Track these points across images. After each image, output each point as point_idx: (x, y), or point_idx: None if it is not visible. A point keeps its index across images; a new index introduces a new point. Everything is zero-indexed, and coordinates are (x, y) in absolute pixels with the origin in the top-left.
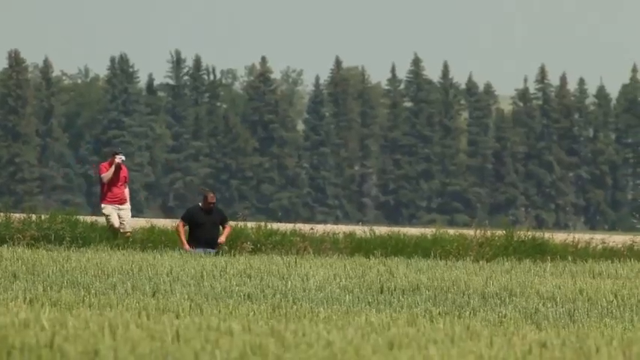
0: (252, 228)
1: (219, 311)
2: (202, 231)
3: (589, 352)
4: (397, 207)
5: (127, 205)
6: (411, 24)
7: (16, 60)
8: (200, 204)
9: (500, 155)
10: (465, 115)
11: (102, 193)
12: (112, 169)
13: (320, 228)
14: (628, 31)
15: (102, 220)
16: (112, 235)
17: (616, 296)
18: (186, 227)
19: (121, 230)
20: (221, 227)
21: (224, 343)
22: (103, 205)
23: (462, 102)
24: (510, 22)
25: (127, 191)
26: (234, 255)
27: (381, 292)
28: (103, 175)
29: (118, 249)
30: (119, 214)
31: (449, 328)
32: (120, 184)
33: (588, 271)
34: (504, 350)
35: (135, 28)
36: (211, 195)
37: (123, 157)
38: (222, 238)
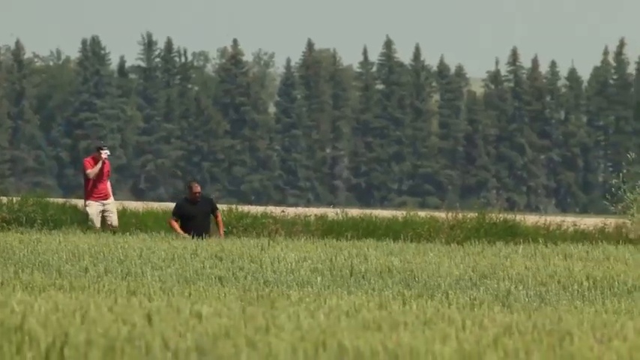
0: (223, 210)
1: (191, 294)
2: (194, 222)
3: (561, 335)
4: (368, 189)
5: (112, 199)
6: (382, 7)
7: None
8: (185, 196)
9: (472, 138)
10: (437, 97)
11: (86, 189)
12: (99, 165)
13: (291, 210)
14: (600, 15)
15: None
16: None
17: (587, 279)
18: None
19: (108, 224)
20: (212, 216)
21: (195, 326)
22: (87, 203)
23: (434, 84)
24: (486, 6)
25: (109, 185)
26: (206, 238)
27: (352, 275)
28: (88, 172)
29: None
30: (104, 210)
31: (420, 311)
32: (104, 179)
33: (560, 253)
34: (476, 333)
35: (107, 11)
36: (195, 184)
37: (108, 152)
38: (221, 233)
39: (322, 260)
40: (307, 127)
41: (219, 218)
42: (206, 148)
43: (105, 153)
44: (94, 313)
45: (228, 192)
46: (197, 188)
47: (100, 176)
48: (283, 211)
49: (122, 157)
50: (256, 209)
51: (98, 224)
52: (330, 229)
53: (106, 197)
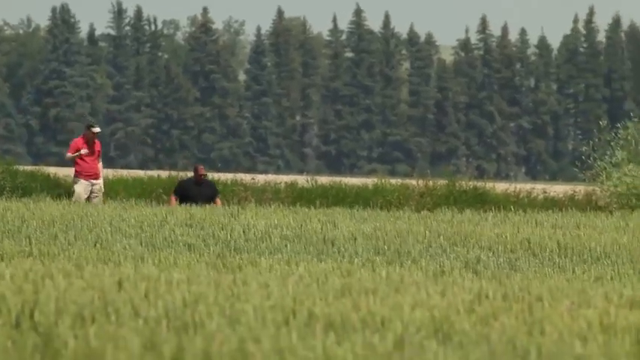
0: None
1: (161, 261)
2: (194, 204)
3: (531, 301)
4: (338, 157)
5: (101, 180)
6: None
7: None
8: (190, 176)
9: (442, 105)
10: (407, 65)
11: (76, 167)
12: (82, 151)
13: (261, 178)
14: None
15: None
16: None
17: (558, 246)
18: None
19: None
20: (212, 202)
21: (165, 293)
22: (76, 180)
23: (404, 52)
24: None
25: (100, 165)
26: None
27: (323, 242)
28: (67, 155)
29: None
30: (92, 190)
31: (390, 278)
32: (94, 158)
33: (530, 221)
34: (445, 300)
35: None
36: (201, 167)
37: (99, 129)
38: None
39: (292, 228)
40: (277, 95)
41: (219, 204)
42: (176, 116)
43: (96, 129)
44: (64, 281)
45: (197, 159)
46: (202, 170)
47: (90, 155)
48: (253, 179)
49: None
50: (226, 176)
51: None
52: (300, 197)
53: (95, 177)
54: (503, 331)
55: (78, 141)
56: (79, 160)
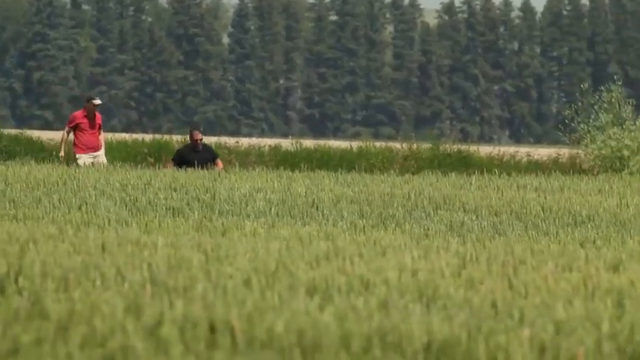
0: (177, 141)
1: (145, 225)
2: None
3: (515, 265)
4: (322, 120)
5: (102, 151)
6: None
7: None
8: (187, 143)
9: (426, 68)
10: (390, 28)
11: (75, 141)
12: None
13: (245, 141)
14: None
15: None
16: None
17: (541, 209)
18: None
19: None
20: (213, 165)
21: (149, 256)
22: (78, 156)
23: (388, 15)
24: None
25: (102, 137)
26: (159, 168)
27: (307, 206)
28: (64, 132)
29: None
30: (93, 162)
31: (375, 242)
32: (94, 131)
33: (514, 184)
34: (430, 263)
35: None
36: (196, 132)
37: (99, 101)
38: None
39: (276, 191)
40: (261, 58)
41: (220, 166)
42: (159, 79)
43: (97, 101)
44: (48, 244)
45: (181, 123)
46: (198, 135)
47: (89, 128)
48: (237, 142)
49: (75, 88)
50: (210, 140)
51: None
52: (284, 160)
53: (96, 150)
54: (486, 294)
55: (77, 114)
56: (78, 134)
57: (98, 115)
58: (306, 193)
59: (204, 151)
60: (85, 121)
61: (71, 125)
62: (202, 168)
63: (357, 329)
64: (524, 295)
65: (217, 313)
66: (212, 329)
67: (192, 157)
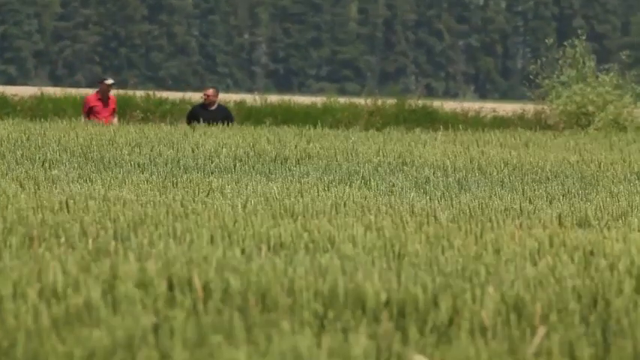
0: (141, 97)
1: (110, 181)
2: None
3: (481, 222)
4: (287, 75)
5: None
6: None
7: None
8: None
9: (391, 23)
10: None
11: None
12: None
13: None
14: None
15: None
16: None
17: (507, 165)
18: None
19: None
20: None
21: (115, 213)
22: None
23: None
24: None
25: (115, 121)
26: (123, 124)
27: (272, 162)
28: (81, 117)
29: (8, 117)
30: None
31: (340, 198)
32: (107, 115)
33: (479, 139)
34: (397, 219)
35: None
36: (207, 89)
37: (111, 81)
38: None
39: (242, 147)
40: (225, 13)
41: None
42: (123, 34)
43: (109, 81)
44: (12, 200)
45: (146, 78)
46: (208, 91)
47: (103, 112)
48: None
49: (39, 42)
50: (175, 95)
51: None
52: (248, 116)
53: None
54: (453, 251)
55: (91, 98)
56: (92, 117)
57: (112, 98)
58: (271, 148)
59: (218, 111)
60: (99, 104)
61: (85, 110)
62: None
63: (320, 286)
64: (491, 253)
65: (180, 270)
66: (172, 286)
67: (204, 115)
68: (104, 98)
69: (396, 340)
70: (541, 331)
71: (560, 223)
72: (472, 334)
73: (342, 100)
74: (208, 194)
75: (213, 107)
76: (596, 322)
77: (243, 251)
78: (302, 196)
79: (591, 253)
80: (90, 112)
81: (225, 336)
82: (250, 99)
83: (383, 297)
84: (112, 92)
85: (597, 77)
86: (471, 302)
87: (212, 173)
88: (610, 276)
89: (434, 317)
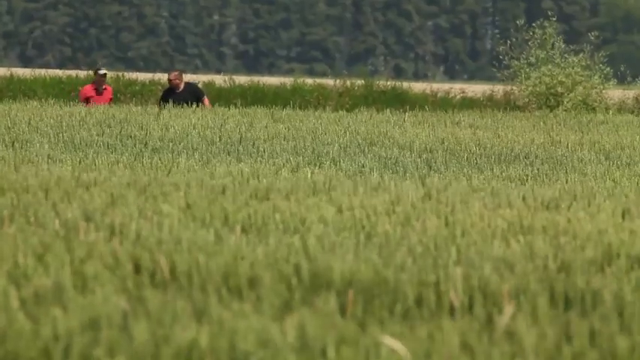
0: (111, 78)
1: (80, 162)
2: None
3: (450, 202)
4: (257, 56)
5: None
6: None
7: None
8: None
9: (359, 4)
10: None
11: None
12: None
13: None
14: None
15: None
16: None
17: (476, 146)
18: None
19: None
20: (198, 105)
21: (84, 194)
22: None
23: None
24: None
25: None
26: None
27: (242, 143)
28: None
29: None
30: None
31: (310, 179)
32: (104, 103)
33: (448, 120)
34: (365, 199)
35: None
36: (171, 72)
37: (104, 71)
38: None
39: (211, 128)
40: None
41: (207, 104)
42: (93, 15)
43: (102, 71)
44: None
45: (115, 59)
46: (171, 75)
47: (100, 101)
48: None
49: (9, 23)
50: (144, 76)
51: None
52: (218, 97)
53: None
54: (423, 232)
55: (86, 89)
56: (89, 106)
57: (109, 89)
58: (240, 129)
59: (186, 91)
60: (94, 94)
61: (82, 100)
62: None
63: (288, 267)
64: (461, 233)
65: (149, 250)
66: (139, 268)
67: (174, 97)
68: (99, 89)
69: (369, 323)
70: (508, 310)
71: (529, 204)
72: (441, 314)
73: (310, 81)
74: (177, 174)
75: (180, 89)
76: (563, 302)
77: (212, 232)
78: (271, 177)
79: (560, 234)
80: (87, 103)
81: (189, 316)
82: (219, 80)
83: (350, 277)
84: (84, 73)
85: (566, 58)
86: (441, 283)
87: (181, 154)
88: (579, 256)
89: (403, 298)
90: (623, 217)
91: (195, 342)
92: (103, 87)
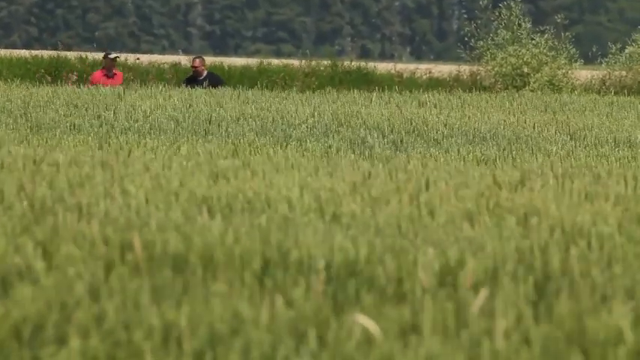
0: (77, 58)
1: (46, 142)
2: None
3: (417, 183)
4: (223, 37)
5: None
6: None
7: None
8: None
9: None
10: None
11: None
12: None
13: (145, 58)
14: None
15: None
16: None
17: (443, 126)
18: None
19: None
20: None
21: (51, 174)
22: None
23: None
24: None
25: None
26: (59, 86)
27: (209, 123)
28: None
29: None
30: None
31: (276, 159)
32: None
33: (414, 100)
34: (331, 179)
35: None
36: (194, 59)
37: (114, 55)
38: None
39: (177, 108)
40: None
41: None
42: None
43: (112, 55)
44: None
45: (82, 39)
46: (195, 62)
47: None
48: (138, 59)
49: None
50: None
51: None
52: (184, 78)
53: None
54: (390, 212)
55: (96, 75)
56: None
57: (119, 74)
58: (207, 110)
59: (206, 80)
60: (105, 80)
61: (90, 85)
62: None
63: (258, 248)
64: (428, 214)
65: (119, 231)
66: (111, 248)
67: (193, 85)
68: (109, 73)
69: (341, 303)
70: (483, 292)
71: (496, 184)
72: (413, 295)
73: (276, 61)
74: (145, 155)
75: (202, 77)
76: (535, 282)
77: (183, 212)
78: (238, 157)
79: (529, 214)
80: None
81: (162, 297)
82: (186, 61)
83: (320, 258)
84: (49, 54)
85: (532, 39)
86: (410, 264)
87: (148, 134)
88: (549, 237)
89: (372, 279)
90: (587, 198)
91: (172, 322)
92: (114, 72)
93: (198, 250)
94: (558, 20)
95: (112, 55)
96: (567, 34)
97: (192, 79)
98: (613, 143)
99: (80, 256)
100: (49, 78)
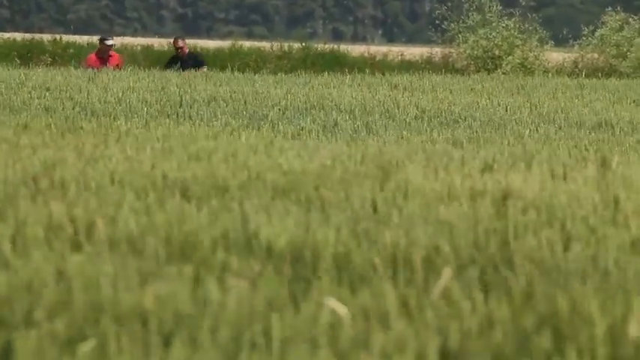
0: (49, 41)
1: (17, 124)
2: None
3: (389, 164)
4: (195, 19)
5: None
6: None
7: None
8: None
9: None
10: None
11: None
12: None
13: (118, 40)
14: None
15: None
16: None
17: (415, 108)
18: None
19: None
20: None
21: (24, 157)
22: None
23: None
24: None
25: None
26: (31, 68)
27: (181, 106)
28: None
29: None
30: None
31: (249, 141)
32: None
33: (386, 83)
34: (304, 162)
35: None
36: (177, 39)
37: (112, 42)
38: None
39: (150, 91)
40: None
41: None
42: None
43: (109, 42)
44: None
45: (54, 21)
46: (179, 43)
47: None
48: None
49: None
50: (82, 39)
51: None
52: (157, 61)
53: None
54: (364, 195)
55: (90, 58)
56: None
57: (115, 56)
58: (179, 92)
59: (189, 61)
60: (98, 64)
61: (85, 67)
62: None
63: (227, 233)
64: (399, 196)
65: (87, 214)
66: (77, 231)
67: (176, 64)
68: (104, 56)
69: (309, 287)
70: (446, 273)
71: (467, 166)
72: (382, 278)
73: (248, 44)
74: (118, 139)
75: (184, 57)
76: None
77: (152, 196)
78: (211, 140)
79: (501, 197)
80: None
81: (126, 282)
82: (158, 43)
83: (288, 242)
84: (22, 36)
85: (502, 22)
86: (381, 248)
87: (120, 117)
88: (523, 219)
89: (344, 263)
90: (564, 178)
91: (139, 305)
92: (109, 54)
93: (168, 233)
94: (523, 3)
95: (109, 42)
96: (534, 15)
97: (176, 58)
98: (585, 125)
99: (48, 238)
100: (18, 61)
